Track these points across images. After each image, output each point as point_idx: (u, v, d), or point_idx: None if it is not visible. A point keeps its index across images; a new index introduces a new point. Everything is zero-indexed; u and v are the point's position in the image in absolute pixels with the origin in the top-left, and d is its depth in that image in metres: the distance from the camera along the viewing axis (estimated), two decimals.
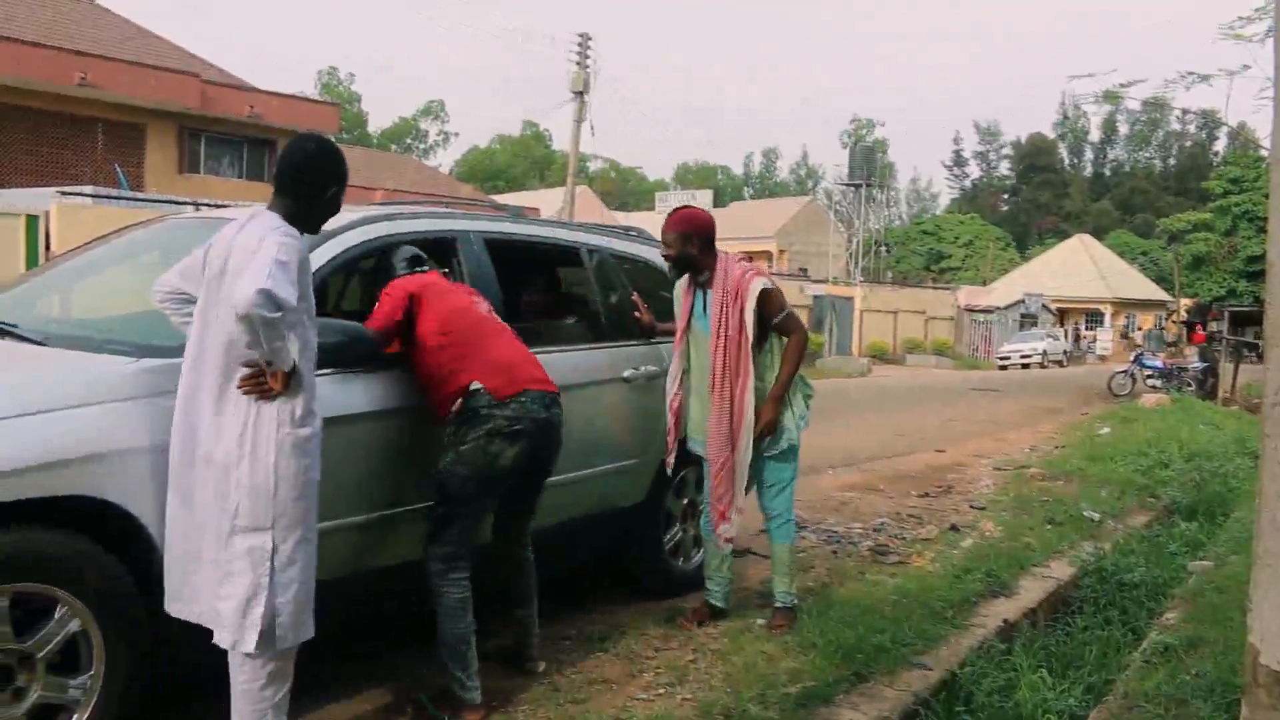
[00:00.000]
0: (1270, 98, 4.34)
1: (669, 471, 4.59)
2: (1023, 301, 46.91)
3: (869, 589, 5.15)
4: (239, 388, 2.79)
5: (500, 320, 3.73)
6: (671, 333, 4.63)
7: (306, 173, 2.98)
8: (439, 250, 4.02)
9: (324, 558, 3.02)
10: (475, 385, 3.47)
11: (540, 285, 5.06)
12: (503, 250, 4.19)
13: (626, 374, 4.58)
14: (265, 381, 2.76)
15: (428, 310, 3.53)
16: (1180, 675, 3.91)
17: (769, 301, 4.37)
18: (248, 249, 2.78)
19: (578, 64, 29.65)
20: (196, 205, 14.19)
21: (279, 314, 2.63)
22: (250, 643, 2.77)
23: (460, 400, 3.49)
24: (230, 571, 2.77)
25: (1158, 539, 6.94)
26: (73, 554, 2.73)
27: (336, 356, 3.25)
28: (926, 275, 62.98)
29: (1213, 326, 28.02)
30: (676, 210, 4.55)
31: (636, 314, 4.66)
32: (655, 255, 5.03)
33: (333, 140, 3.15)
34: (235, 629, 2.76)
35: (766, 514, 4.53)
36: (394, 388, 3.58)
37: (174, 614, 2.87)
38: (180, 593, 2.86)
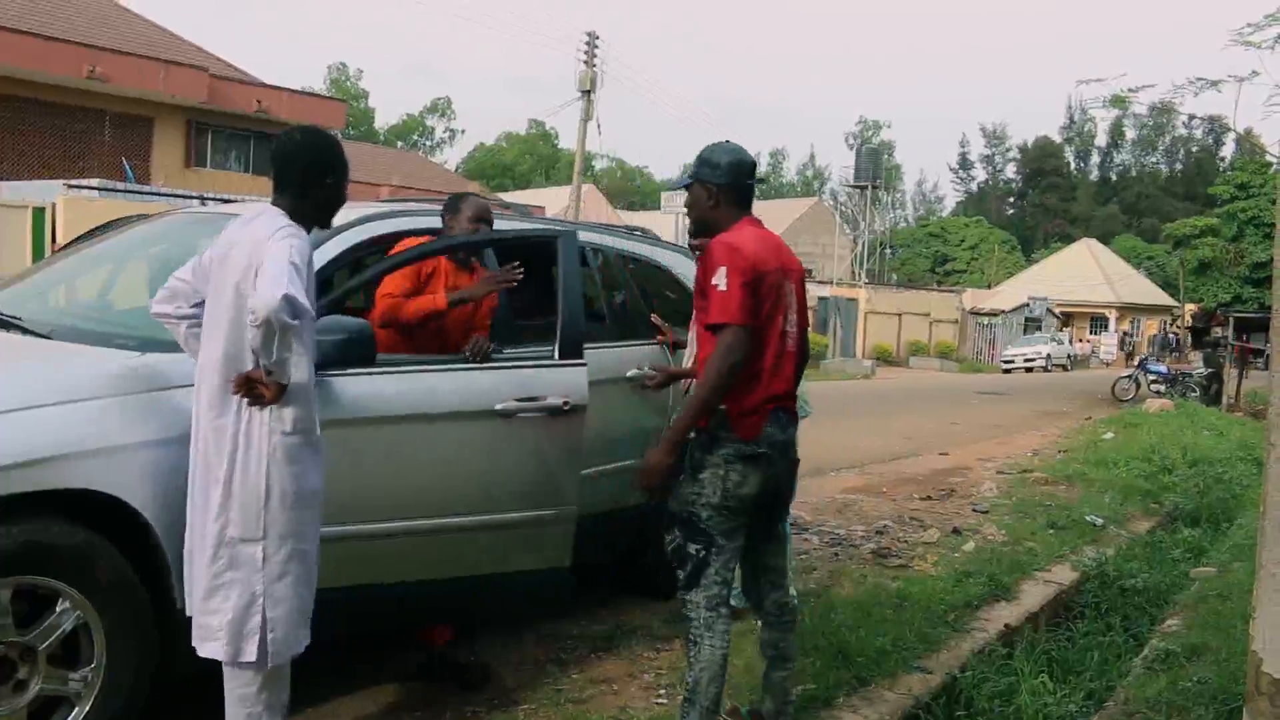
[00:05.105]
0: (1279, 104, 4.33)
1: None
2: (1027, 305, 46.80)
3: (870, 592, 5.14)
4: (233, 392, 2.66)
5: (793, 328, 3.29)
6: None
7: (298, 163, 2.87)
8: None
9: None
10: (720, 405, 3.13)
11: (544, 284, 5.05)
12: (508, 248, 4.18)
13: (631, 374, 4.58)
14: (258, 388, 2.62)
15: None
16: (1182, 682, 3.91)
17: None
18: (254, 241, 2.70)
19: (585, 63, 29.67)
20: (203, 199, 14.19)
21: (298, 322, 2.55)
22: (250, 653, 2.70)
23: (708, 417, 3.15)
24: (222, 583, 2.70)
25: (1160, 545, 6.93)
26: (75, 547, 2.73)
27: (338, 356, 3.14)
28: (931, 278, 62.95)
29: (1216, 332, 27.98)
30: None
31: (660, 337, 4.62)
32: (660, 255, 5.03)
33: (325, 130, 3.08)
34: (234, 639, 2.69)
35: None
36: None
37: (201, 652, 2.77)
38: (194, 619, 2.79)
